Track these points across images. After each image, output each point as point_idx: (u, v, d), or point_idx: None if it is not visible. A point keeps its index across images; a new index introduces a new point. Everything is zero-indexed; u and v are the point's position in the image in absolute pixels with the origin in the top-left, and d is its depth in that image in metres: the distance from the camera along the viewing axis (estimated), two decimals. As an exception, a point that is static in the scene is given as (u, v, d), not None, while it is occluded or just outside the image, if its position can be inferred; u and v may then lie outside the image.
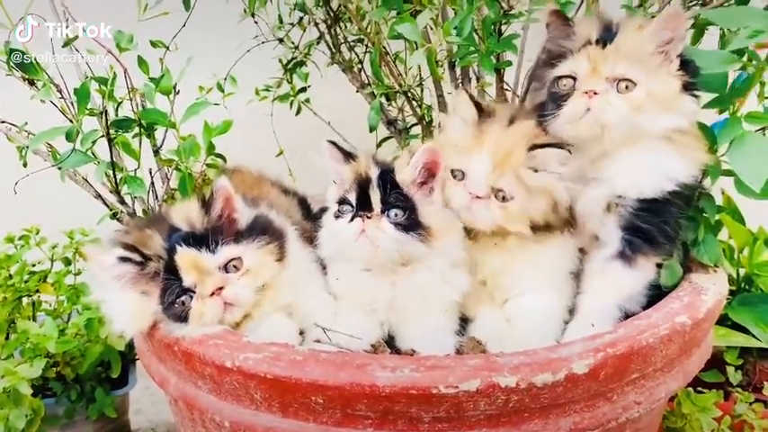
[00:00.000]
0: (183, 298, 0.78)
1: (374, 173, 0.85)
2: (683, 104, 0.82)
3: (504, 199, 0.84)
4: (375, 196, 0.84)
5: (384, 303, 0.87)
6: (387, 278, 0.87)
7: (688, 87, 0.82)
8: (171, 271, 0.78)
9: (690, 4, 1.03)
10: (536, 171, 0.83)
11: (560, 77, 0.84)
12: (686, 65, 0.82)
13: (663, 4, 0.91)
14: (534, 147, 0.82)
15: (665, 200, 0.84)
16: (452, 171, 0.87)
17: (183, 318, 0.77)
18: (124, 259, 0.77)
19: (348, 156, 0.88)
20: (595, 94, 0.81)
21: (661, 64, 0.81)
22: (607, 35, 0.83)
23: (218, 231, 0.80)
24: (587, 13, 0.96)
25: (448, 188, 0.87)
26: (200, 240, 0.79)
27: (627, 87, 0.80)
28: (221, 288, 0.79)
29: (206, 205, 0.81)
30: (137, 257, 0.78)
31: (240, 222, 0.83)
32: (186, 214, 0.81)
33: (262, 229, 0.83)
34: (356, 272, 0.88)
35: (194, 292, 0.78)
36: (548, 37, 0.87)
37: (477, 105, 0.87)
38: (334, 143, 0.88)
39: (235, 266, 0.80)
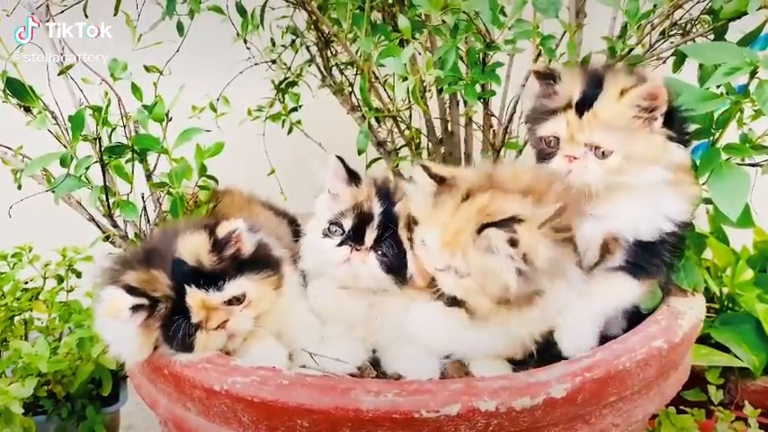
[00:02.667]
0: (188, 331, 0.79)
1: (377, 209, 0.88)
2: (669, 155, 0.84)
3: (461, 276, 0.82)
4: (371, 234, 0.87)
5: (360, 320, 0.90)
6: (364, 298, 0.90)
7: (674, 138, 0.83)
8: (179, 309, 0.79)
9: (670, 34, 1.06)
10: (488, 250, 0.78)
11: (545, 136, 0.86)
12: (672, 116, 0.83)
13: (641, 36, 0.94)
14: (482, 227, 0.77)
15: (662, 239, 0.86)
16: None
17: (188, 347, 0.79)
18: (136, 308, 0.77)
19: (352, 178, 0.90)
20: (575, 158, 0.84)
21: (641, 126, 0.82)
22: (589, 95, 0.83)
23: (226, 267, 0.81)
24: (569, 44, 0.99)
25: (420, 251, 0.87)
26: (208, 279, 0.80)
27: (603, 154, 0.83)
28: (226, 320, 0.80)
29: (217, 244, 0.81)
30: (146, 302, 0.77)
31: (244, 252, 0.84)
32: (195, 249, 0.80)
33: (263, 260, 0.85)
34: (335, 289, 0.91)
35: (199, 326, 0.79)
36: (536, 93, 0.89)
37: (435, 177, 0.84)
38: (341, 160, 0.91)
39: (239, 299, 0.82)
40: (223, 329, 0.80)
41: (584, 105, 0.83)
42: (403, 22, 0.90)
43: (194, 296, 0.79)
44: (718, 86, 0.84)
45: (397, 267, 0.87)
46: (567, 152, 0.84)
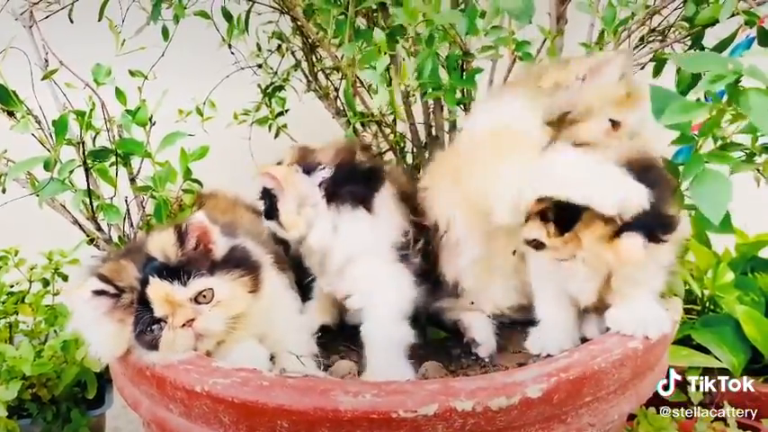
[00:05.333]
0: (154, 327, 0.79)
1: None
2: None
3: None
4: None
5: None
6: None
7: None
8: (144, 302, 0.79)
9: (649, 39, 1.08)
10: None
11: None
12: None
13: (618, 42, 0.96)
14: None
15: None
16: None
17: (154, 346, 0.79)
18: (98, 292, 0.79)
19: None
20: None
21: None
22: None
23: (192, 263, 0.81)
24: (550, 51, 1.00)
25: None
26: (173, 272, 0.80)
27: None
28: (193, 319, 0.80)
29: (181, 237, 0.82)
30: (111, 290, 0.79)
31: (216, 253, 0.83)
32: (161, 244, 0.81)
33: (237, 261, 0.84)
34: None
35: (166, 322, 0.80)
36: None
37: None
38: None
39: (205, 296, 0.81)
40: (189, 328, 0.80)
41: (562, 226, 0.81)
42: (378, 34, 0.91)
43: (156, 287, 0.79)
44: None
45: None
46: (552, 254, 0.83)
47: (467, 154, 0.91)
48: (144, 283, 0.79)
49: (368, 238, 0.93)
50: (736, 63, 0.79)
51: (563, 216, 0.80)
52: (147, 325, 0.79)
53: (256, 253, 0.88)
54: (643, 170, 0.80)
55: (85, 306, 0.80)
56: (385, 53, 0.89)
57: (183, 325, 0.79)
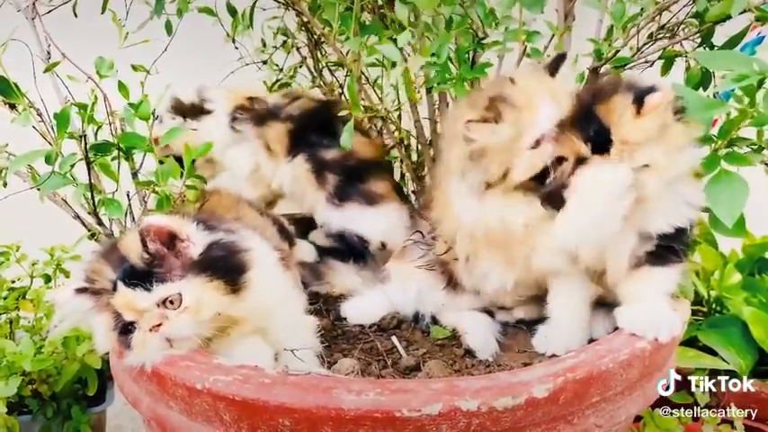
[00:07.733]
0: (128, 328, 0.78)
1: None
2: None
3: None
4: None
5: None
6: None
7: None
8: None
9: (658, 36, 1.07)
10: None
11: None
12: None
13: (627, 39, 0.94)
14: None
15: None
16: None
17: (129, 346, 0.78)
18: (80, 291, 0.78)
19: None
20: None
21: None
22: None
23: (160, 265, 0.78)
24: (558, 47, 0.99)
25: None
26: (139, 277, 0.77)
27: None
28: (161, 324, 0.77)
29: (143, 241, 0.77)
30: (92, 288, 0.78)
31: (191, 251, 0.79)
32: (128, 246, 0.79)
33: (214, 261, 0.79)
34: None
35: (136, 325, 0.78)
36: None
37: None
38: None
39: (172, 302, 0.77)
40: (157, 333, 0.77)
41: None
42: (399, 9, 0.87)
43: (120, 295, 0.77)
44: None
45: None
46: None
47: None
48: (115, 286, 0.77)
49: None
50: (761, 63, 0.77)
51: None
52: (122, 327, 0.78)
53: (250, 246, 0.84)
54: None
55: (71, 303, 0.79)
56: (404, 29, 0.86)
57: (151, 329, 0.77)
